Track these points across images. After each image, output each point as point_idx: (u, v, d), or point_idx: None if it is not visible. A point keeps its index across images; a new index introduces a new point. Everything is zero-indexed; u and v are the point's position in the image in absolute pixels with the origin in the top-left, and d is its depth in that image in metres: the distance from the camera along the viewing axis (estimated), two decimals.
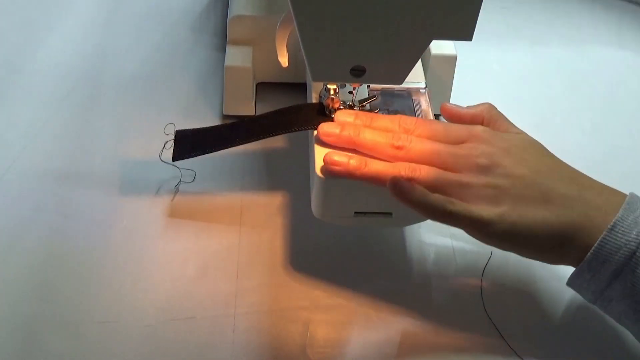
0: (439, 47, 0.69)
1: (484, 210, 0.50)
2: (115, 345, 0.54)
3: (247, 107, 0.71)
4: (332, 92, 0.58)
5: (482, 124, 0.57)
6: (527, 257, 0.52)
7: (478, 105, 0.58)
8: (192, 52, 0.79)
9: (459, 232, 0.61)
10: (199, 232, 0.62)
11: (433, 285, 0.60)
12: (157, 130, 0.70)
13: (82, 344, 0.54)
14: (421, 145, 0.53)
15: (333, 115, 0.57)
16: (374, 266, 0.60)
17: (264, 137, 0.60)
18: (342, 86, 0.59)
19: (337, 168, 0.53)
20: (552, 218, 0.50)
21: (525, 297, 0.59)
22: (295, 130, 0.58)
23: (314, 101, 0.60)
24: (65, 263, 0.59)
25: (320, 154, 0.54)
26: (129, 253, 0.60)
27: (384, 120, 0.56)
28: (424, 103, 0.63)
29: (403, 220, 0.58)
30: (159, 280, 0.58)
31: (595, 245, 0.48)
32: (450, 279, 0.60)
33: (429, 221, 0.56)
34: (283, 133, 0.59)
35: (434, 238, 0.63)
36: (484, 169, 0.51)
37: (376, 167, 0.53)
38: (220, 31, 0.80)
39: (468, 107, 0.58)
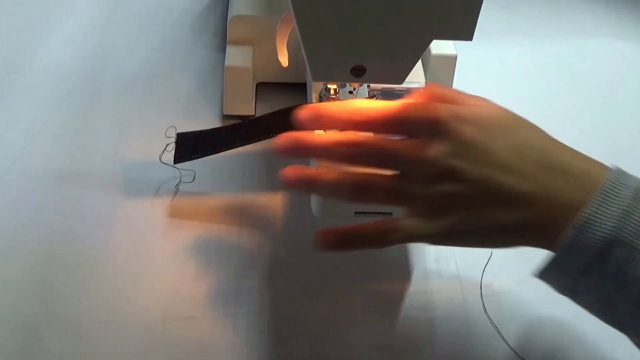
0: (439, 47, 0.69)
1: (434, 224, 0.48)
2: (115, 345, 0.54)
3: (247, 107, 0.71)
4: (332, 92, 0.58)
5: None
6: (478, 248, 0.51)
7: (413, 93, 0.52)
8: (192, 52, 0.79)
9: None
10: (199, 232, 0.62)
11: (433, 285, 0.60)
12: (157, 130, 0.70)
13: (82, 344, 0.54)
14: (372, 150, 0.49)
15: None
16: (373, 266, 0.60)
17: (264, 139, 0.60)
18: (342, 86, 0.59)
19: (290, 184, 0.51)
20: (509, 220, 0.47)
21: (525, 297, 0.59)
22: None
23: (314, 101, 0.60)
24: (65, 263, 0.59)
25: None
26: (129, 253, 0.60)
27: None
28: None
29: None
30: (159, 280, 0.58)
31: (563, 245, 0.45)
32: (450, 279, 0.60)
33: None
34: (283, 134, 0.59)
35: None
36: (437, 177, 0.47)
37: (326, 181, 0.50)
38: (220, 31, 0.80)
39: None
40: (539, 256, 0.46)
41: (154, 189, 0.65)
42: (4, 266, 0.58)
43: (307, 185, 0.51)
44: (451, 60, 0.70)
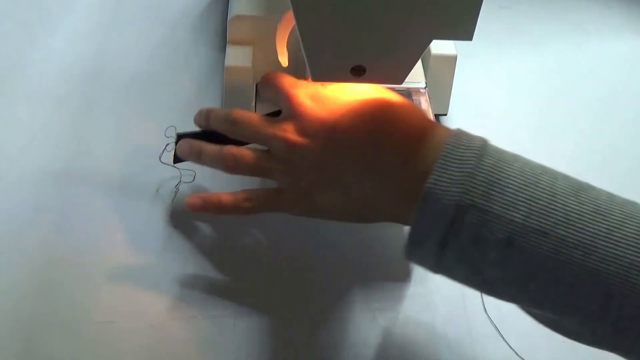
0: (439, 47, 0.69)
1: (282, 199, 0.55)
2: (115, 345, 0.54)
3: (247, 107, 0.71)
4: None
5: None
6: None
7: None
8: (192, 52, 0.79)
9: None
10: (199, 232, 0.62)
11: (433, 285, 0.60)
12: (157, 130, 0.70)
13: (82, 344, 0.54)
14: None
15: None
16: (373, 266, 0.60)
17: None
18: None
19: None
20: (344, 201, 0.52)
21: None
22: None
23: None
24: (65, 263, 0.59)
25: None
26: (129, 253, 0.60)
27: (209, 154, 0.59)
28: (424, 103, 0.64)
29: None
30: (159, 280, 0.58)
31: (412, 221, 0.45)
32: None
33: None
34: None
35: None
36: (284, 150, 0.53)
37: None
38: (220, 31, 0.80)
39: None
40: None
41: (154, 189, 0.65)
42: (4, 266, 0.58)
43: (196, 158, 0.59)
44: (451, 61, 0.69)
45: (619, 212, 0.44)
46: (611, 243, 0.42)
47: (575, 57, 0.83)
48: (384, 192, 0.50)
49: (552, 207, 0.44)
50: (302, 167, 0.53)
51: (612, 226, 0.43)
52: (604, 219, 0.43)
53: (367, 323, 0.57)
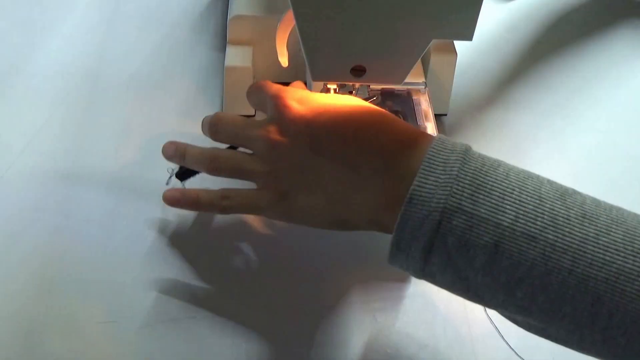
0: (439, 47, 0.69)
1: (260, 199, 0.54)
2: (115, 345, 0.54)
3: (247, 107, 0.71)
4: (332, 92, 0.58)
5: None
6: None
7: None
8: (192, 52, 0.79)
9: None
10: (199, 232, 0.62)
11: (433, 285, 0.60)
12: (157, 130, 0.70)
13: (82, 344, 0.54)
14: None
15: None
16: (373, 266, 0.60)
17: None
18: (342, 86, 0.59)
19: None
20: (324, 203, 0.51)
21: None
22: None
23: None
24: (66, 263, 0.59)
25: None
26: (129, 253, 0.60)
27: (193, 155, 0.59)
28: (424, 103, 0.63)
29: None
30: (159, 280, 0.58)
31: (397, 224, 0.44)
32: None
33: None
34: None
35: None
36: (266, 150, 0.53)
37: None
38: (220, 31, 0.80)
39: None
40: None
41: (154, 189, 0.64)
42: (4, 266, 0.58)
43: (180, 159, 0.59)
44: (451, 61, 0.69)
45: (606, 217, 0.43)
46: (599, 248, 0.42)
47: (577, 55, 0.83)
48: (365, 195, 0.49)
49: (540, 211, 0.43)
50: (283, 167, 0.53)
51: (599, 231, 0.42)
52: (591, 224, 0.43)
53: (367, 323, 0.57)
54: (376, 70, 0.52)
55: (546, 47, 0.84)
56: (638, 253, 0.41)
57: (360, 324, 0.57)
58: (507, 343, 0.56)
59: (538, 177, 0.46)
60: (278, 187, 0.53)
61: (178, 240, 0.61)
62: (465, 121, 0.73)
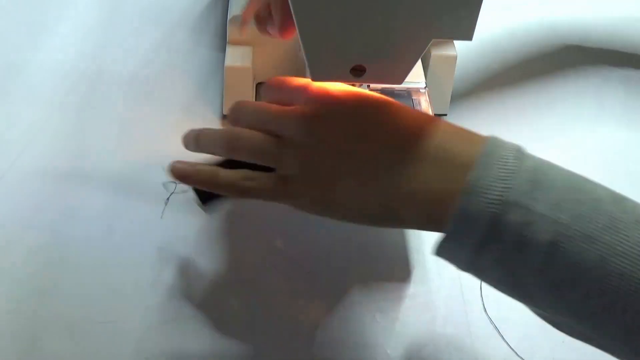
0: (439, 47, 0.69)
1: (287, 185, 0.49)
2: (115, 345, 0.54)
3: None
4: None
5: None
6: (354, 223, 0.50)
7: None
8: (192, 52, 0.79)
9: None
10: (199, 232, 0.62)
11: (433, 285, 0.60)
12: (157, 130, 0.70)
13: (82, 344, 0.54)
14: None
15: None
16: (373, 266, 0.60)
17: None
18: None
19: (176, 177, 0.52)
20: (377, 194, 0.47)
21: None
22: None
23: None
24: (65, 263, 0.59)
25: None
26: (129, 253, 0.60)
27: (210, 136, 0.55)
28: (424, 103, 0.63)
29: None
30: (159, 280, 0.58)
31: (453, 214, 0.43)
32: (450, 279, 0.60)
33: None
34: None
35: (434, 237, 0.63)
36: (302, 132, 0.49)
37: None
38: (220, 31, 0.80)
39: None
40: None
41: (154, 189, 0.64)
42: (4, 266, 0.58)
43: (194, 145, 0.53)
44: (451, 61, 0.69)
45: None
46: None
47: (575, 55, 0.83)
48: (416, 186, 0.46)
49: (597, 212, 0.41)
50: (323, 151, 0.48)
51: None
52: None
53: (367, 323, 0.57)
54: (376, 70, 0.52)
55: (546, 47, 0.84)
56: None
57: (360, 324, 0.57)
58: (507, 343, 0.56)
59: (591, 180, 0.45)
60: (314, 173, 0.49)
61: (178, 240, 0.61)
62: (465, 121, 0.72)
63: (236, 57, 0.69)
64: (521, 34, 0.85)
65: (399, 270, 0.60)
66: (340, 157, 0.48)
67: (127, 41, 0.79)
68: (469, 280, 0.59)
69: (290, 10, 0.47)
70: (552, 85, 0.79)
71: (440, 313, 0.58)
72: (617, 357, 0.43)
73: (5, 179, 0.64)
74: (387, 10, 0.47)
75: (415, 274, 0.60)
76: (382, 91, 0.61)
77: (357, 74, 0.52)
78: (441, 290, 0.59)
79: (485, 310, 0.58)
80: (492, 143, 0.45)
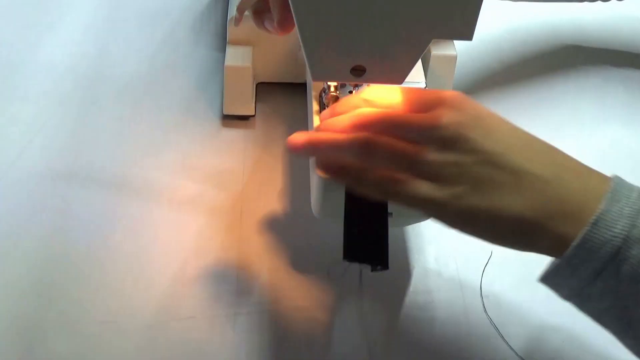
0: (439, 47, 0.69)
1: (437, 190, 0.46)
2: (115, 345, 0.54)
3: (247, 107, 0.71)
4: (332, 89, 0.58)
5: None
6: (486, 241, 0.48)
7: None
8: (192, 52, 0.79)
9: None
10: (199, 232, 0.62)
11: (433, 285, 0.60)
12: (157, 130, 0.70)
13: (82, 344, 0.54)
14: (381, 127, 0.50)
15: None
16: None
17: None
18: (342, 86, 0.59)
19: (298, 146, 0.50)
20: (519, 205, 0.45)
21: (525, 297, 0.59)
22: None
23: (314, 101, 0.60)
24: (65, 263, 0.59)
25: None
26: (129, 253, 0.60)
27: (354, 98, 0.53)
28: None
29: (403, 220, 0.58)
30: (159, 280, 0.58)
31: (576, 242, 0.44)
32: (450, 279, 0.60)
33: (428, 221, 0.56)
34: None
35: (434, 238, 0.63)
36: (448, 142, 0.46)
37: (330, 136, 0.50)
38: (220, 31, 0.80)
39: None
40: (538, 257, 0.46)
41: (154, 189, 0.65)
42: (4, 266, 0.58)
43: (313, 148, 0.50)
44: (451, 61, 0.69)
45: None
46: None
47: (575, 55, 0.83)
48: (558, 206, 0.45)
49: None
50: (473, 159, 0.46)
51: None
52: None
53: (367, 323, 0.57)
54: (376, 70, 0.52)
55: (546, 46, 0.84)
56: None
57: (360, 324, 0.57)
58: (507, 343, 0.56)
59: None
60: (462, 181, 0.46)
61: (177, 239, 0.61)
62: None
63: (236, 56, 0.69)
64: (521, 33, 0.85)
65: (399, 270, 0.60)
66: (491, 169, 0.46)
67: (127, 41, 0.79)
68: (469, 280, 0.59)
69: (288, 6, 0.47)
70: (552, 85, 0.79)
71: (440, 313, 0.58)
72: None
73: (5, 179, 0.64)
74: (387, 10, 0.47)
75: (415, 274, 0.60)
76: None
77: (357, 74, 0.52)
78: (441, 290, 0.59)
79: (485, 310, 0.58)
80: (618, 180, 0.46)
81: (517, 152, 0.46)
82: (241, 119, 0.71)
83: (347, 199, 0.50)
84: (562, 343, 0.56)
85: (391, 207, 0.54)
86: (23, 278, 0.57)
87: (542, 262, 0.53)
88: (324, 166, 0.50)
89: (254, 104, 0.72)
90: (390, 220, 0.55)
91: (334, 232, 0.61)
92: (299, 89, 0.71)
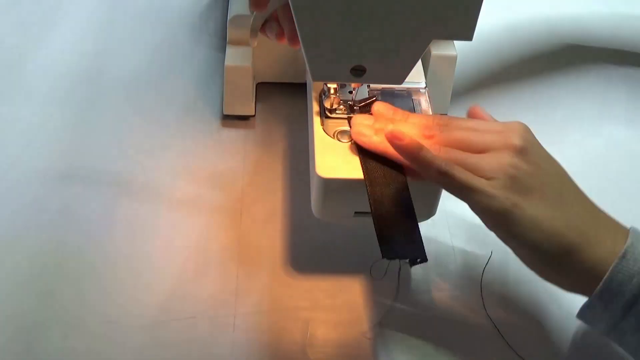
0: (439, 47, 0.69)
1: (488, 183, 0.48)
2: (116, 345, 0.54)
3: (247, 107, 0.71)
4: (332, 91, 0.58)
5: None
6: (523, 258, 0.50)
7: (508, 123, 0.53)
8: (192, 52, 0.79)
9: (459, 232, 0.61)
10: (199, 232, 0.62)
11: (433, 285, 0.60)
12: (157, 129, 0.70)
13: (83, 344, 0.54)
14: (451, 134, 0.52)
15: (332, 115, 0.57)
16: (374, 266, 0.60)
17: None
18: (342, 86, 0.59)
19: (364, 139, 0.52)
20: (561, 223, 0.47)
21: (525, 297, 0.59)
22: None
23: (314, 101, 0.60)
24: (66, 263, 0.59)
25: (320, 154, 0.54)
26: (129, 253, 0.60)
27: (419, 116, 0.55)
28: (424, 103, 0.63)
29: None
30: (159, 280, 0.58)
31: (607, 275, 0.46)
32: (450, 279, 0.60)
33: (429, 221, 0.56)
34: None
35: (434, 238, 0.63)
36: (515, 150, 0.49)
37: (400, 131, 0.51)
38: (220, 31, 0.80)
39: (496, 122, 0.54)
40: None
41: (153, 189, 0.65)
42: (4, 266, 0.58)
43: (412, 153, 0.50)
44: (451, 61, 0.69)
45: None
46: None
47: (574, 54, 0.83)
48: (595, 234, 0.48)
49: None
50: (532, 168, 0.49)
51: None
52: None
53: (366, 323, 0.57)
54: (376, 70, 0.52)
55: (547, 46, 0.84)
56: None
57: (360, 324, 0.57)
58: (508, 343, 0.56)
59: None
60: (516, 184, 0.48)
61: (177, 239, 0.61)
62: None
63: (236, 56, 0.69)
64: (522, 33, 0.85)
65: (399, 271, 0.60)
66: (546, 179, 0.50)
67: (128, 41, 0.79)
68: (469, 280, 0.59)
69: None
70: (553, 85, 0.79)
71: (440, 313, 0.58)
72: None
73: (6, 179, 0.64)
74: (387, 11, 0.47)
75: (415, 274, 0.60)
76: (382, 91, 0.61)
77: (357, 74, 0.52)
78: (441, 290, 0.59)
79: (485, 310, 0.58)
80: (634, 227, 0.49)
81: (567, 185, 0.51)
82: (241, 119, 0.71)
83: (371, 197, 0.51)
84: (562, 342, 0.56)
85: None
86: (23, 278, 0.57)
87: None
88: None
89: (254, 104, 0.72)
90: None
91: (334, 231, 0.62)
92: (299, 89, 0.71)
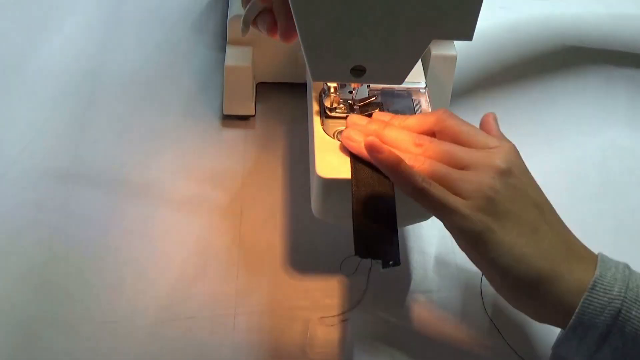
0: (439, 47, 0.69)
1: (464, 203, 0.47)
2: (115, 345, 0.54)
3: (247, 107, 0.71)
4: (332, 90, 0.58)
5: None
6: (494, 284, 0.49)
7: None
8: (192, 52, 0.79)
9: None
10: (199, 232, 0.62)
11: (433, 285, 0.60)
12: (157, 129, 0.70)
13: (82, 344, 0.54)
14: (439, 145, 0.51)
15: (332, 114, 0.57)
16: (374, 266, 0.60)
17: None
18: (342, 86, 0.59)
19: (352, 144, 0.52)
20: (532, 250, 0.47)
21: None
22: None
23: (314, 101, 0.60)
24: (66, 263, 0.59)
25: (320, 154, 0.54)
26: (129, 253, 0.60)
27: (414, 121, 0.54)
28: (424, 103, 0.63)
29: (403, 220, 0.58)
30: (159, 280, 0.58)
31: (578, 308, 0.46)
32: (450, 279, 0.60)
33: (429, 221, 0.56)
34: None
35: (434, 238, 0.63)
36: (497, 171, 0.49)
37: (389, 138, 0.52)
38: (220, 31, 0.80)
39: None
40: None
41: (153, 189, 0.65)
42: (4, 266, 0.58)
43: (390, 167, 0.50)
44: (451, 61, 0.69)
45: None
46: None
47: (574, 54, 0.83)
48: (569, 255, 0.48)
49: None
50: (509, 194, 0.49)
51: None
52: None
53: (366, 323, 0.57)
54: (376, 70, 0.52)
55: (547, 46, 0.84)
56: None
57: (360, 324, 0.57)
58: (507, 342, 0.56)
59: None
60: (492, 207, 0.48)
61: (177, 239, 0.61)
62: None
63: (236, 57, 0.69)
64: (521, 33, 0.85)
65: (398, 270, 0.60)
66: (521, 205, 0.49)
67: (127, 41, 0.79)
68: (469, 280, 0.59)
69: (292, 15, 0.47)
70: (553, 85, 0.79)
71: (440, 313, 0.58)
72: None
73: (6, 178, 0.64)
74: (387, 11, 0.47)
75: (415, 274, 0.60)
76: (382, 91, 0.61)
77: (357, 74, 0.52)
78: (441, 290, 0.59)
79: (485, 310, 0.58)
80: (602, 255, 0.49)
81: (546, 211, 0.50)
82: (241, 119, 0.71)
83: (354, 196, 0.51)
84: None
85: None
86: (23, 278, 0.57)
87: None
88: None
89: (254, 104, 0.72)
90: None
91: (335, 232, 0.62)
92: (299, 89, 0.71)
